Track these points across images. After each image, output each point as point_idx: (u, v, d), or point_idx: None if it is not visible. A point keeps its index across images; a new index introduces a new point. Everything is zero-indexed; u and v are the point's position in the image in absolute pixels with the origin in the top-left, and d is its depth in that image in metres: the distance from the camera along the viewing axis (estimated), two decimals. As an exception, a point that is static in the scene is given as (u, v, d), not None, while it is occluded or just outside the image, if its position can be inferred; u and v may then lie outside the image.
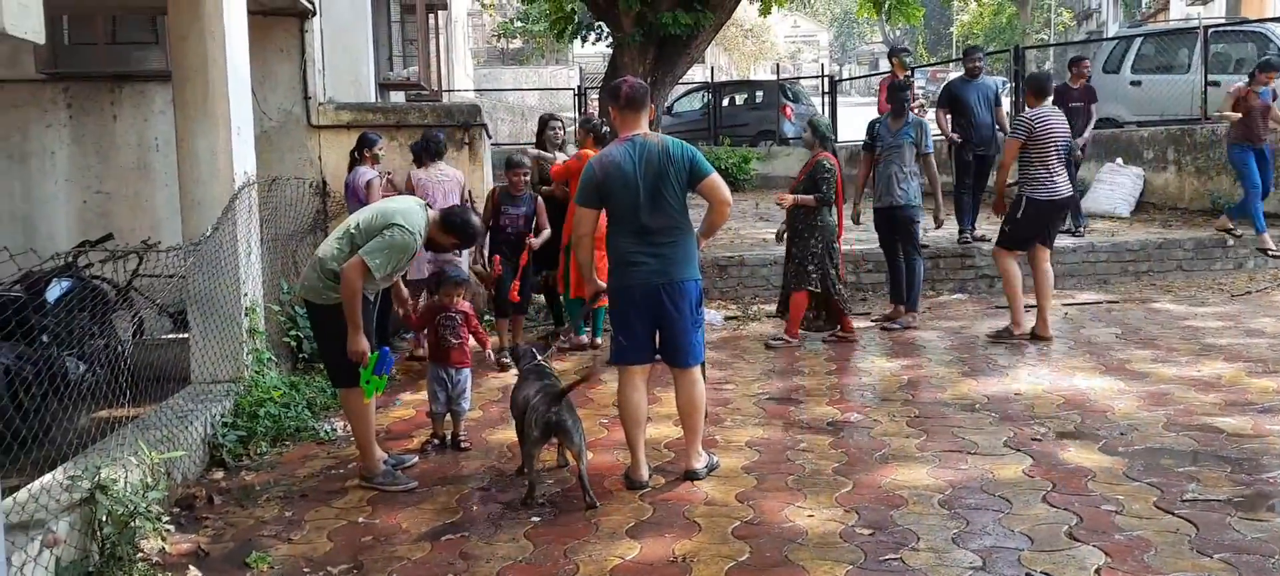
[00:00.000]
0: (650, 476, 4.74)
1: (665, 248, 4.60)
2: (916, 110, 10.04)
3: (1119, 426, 5.38)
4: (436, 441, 5.49)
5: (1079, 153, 10.65)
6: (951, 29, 52.13)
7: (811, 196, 7.39)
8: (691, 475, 4.74)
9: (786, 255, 7.71)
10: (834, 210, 7.50)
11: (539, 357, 5.04)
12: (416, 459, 5.26)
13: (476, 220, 5.16)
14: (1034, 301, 7.60)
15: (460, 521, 4.39)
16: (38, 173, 9.26)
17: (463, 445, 5.45)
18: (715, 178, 4.63)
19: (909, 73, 10.80)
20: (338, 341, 4.74)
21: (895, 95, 8.26)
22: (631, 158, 4.57)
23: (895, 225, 8.06)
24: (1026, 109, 7.67)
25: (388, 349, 4.89)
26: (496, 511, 4.48)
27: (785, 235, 7.78)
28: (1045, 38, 45.05)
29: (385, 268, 4.65)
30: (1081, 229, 10.84)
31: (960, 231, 10.28)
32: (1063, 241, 10.47)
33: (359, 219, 4.87)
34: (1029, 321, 7.58)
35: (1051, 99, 7.84)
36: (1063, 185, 7.43)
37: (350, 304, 4.63)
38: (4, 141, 9.17)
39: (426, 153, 7.61)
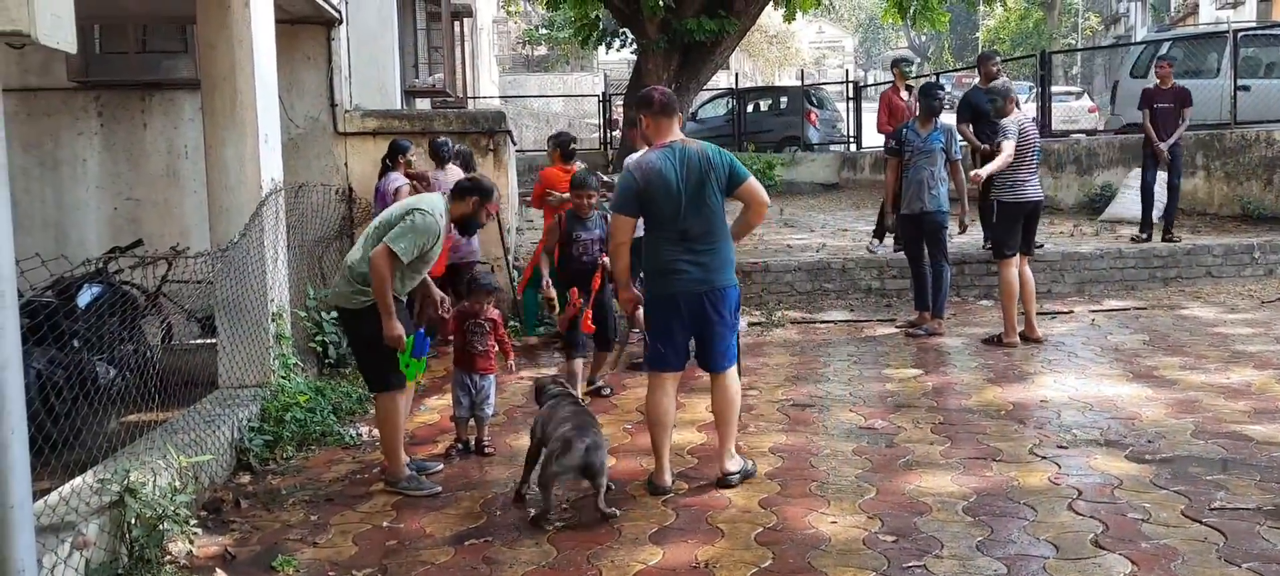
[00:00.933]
0: (673, 482, 4.74)
1: (706, 254, 4.59)
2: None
3: (1146, 434, 5.33)
4: (460, 446, 5.52)
5: (1166, 155, 10.36)
6: (977, 34, 51.82)
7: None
8: (725, 479, 4.71)
9: None
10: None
11: (569, 387, 5.05)
12: (441, 465, 5.29)
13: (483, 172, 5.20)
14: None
15: (484, 526, 4.41)
16: (69, 179, 9.40)
17: (486, 450, 5.48)
18: (753, 181, 4.65)
19: (910, 84, 10.68)
20: (372, 345, 4.81)
21: (929, 96, 8.21)
22: (672, 163, 4.54)
23: (924, 231, 8.03)
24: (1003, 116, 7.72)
25: (422, 331, 4.95)
26: (520, 516, 4.50)
27: None
28: (1073, 42, 44.74)
29: (411, 252, 4.67)
30: (1173, 232, 10.54)
31: (986, 238, 10.23)
32: (1089, 244, 10.40)
33: (380, 218, 4.96)
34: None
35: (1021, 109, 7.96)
36: (1031, 189, 7.57)
37: (381, 291, 4.66)
38: (36, 149, 9.31)
39: (435, 157, 8.26)
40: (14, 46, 2.57)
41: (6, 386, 2.68)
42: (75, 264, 6.69)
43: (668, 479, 4.72)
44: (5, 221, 2.60)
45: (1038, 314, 7.89)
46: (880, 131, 10.89)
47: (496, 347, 5.57)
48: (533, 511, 4.46)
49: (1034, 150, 7.57)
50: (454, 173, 8.06)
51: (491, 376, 5.55)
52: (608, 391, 6.71)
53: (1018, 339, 7.60)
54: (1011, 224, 7.61)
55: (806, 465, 5.04)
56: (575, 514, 4.49)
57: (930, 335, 8.02)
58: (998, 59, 10.52)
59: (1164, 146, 10.33)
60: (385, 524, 4.49)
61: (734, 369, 4.80)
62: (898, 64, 11.59)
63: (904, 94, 10.50)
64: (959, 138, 8.46)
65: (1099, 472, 4.75)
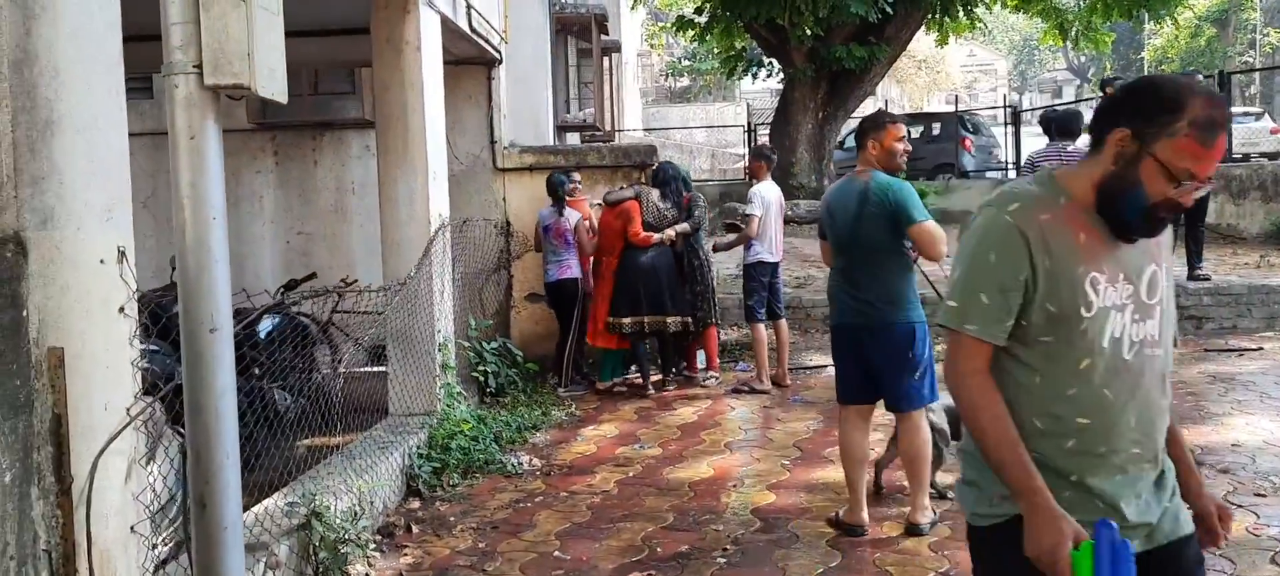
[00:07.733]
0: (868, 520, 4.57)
1: (865, 288, 4.47)
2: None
3: (1357, 482, 4.91)
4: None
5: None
6: (1142, 54, 49.36)
7: (686, 225, 7.99)
8: (914, 529, 4.51)
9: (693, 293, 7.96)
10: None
11: None
12: None
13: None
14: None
15: (646, 559, 4.41)
16: (248, 216, 9.99)
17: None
18: (927, 225, 4.39)
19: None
20: None
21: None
22: (844, 195, 4.55)
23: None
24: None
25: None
26: (683, 550, 4.48)
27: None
28: (1250, 60, 42.12)
29: None
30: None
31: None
32: (1279, 276, 9.71)
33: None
34: None
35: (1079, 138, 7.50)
36: None
37: None
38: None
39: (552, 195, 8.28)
40: (233, 98, 2.75)
41: (223, 414, 2.85)
42: (253, 295, 7.12)
43: (863, 516, 4.55)
44: (223, 263, 2.77)
45: (1223, 349, 7.37)
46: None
47: None
48: None
49: None
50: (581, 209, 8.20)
51: None
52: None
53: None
54: None
55: (977, 506, 4.84)
56: (739, 551, 4.44)
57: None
58: (1115, 84, 9.89)
59: None
60: (552, 553, 4.55)
61: (920, 412, 4.55)
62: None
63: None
64: None
65: (1307, 523, 4.40)
